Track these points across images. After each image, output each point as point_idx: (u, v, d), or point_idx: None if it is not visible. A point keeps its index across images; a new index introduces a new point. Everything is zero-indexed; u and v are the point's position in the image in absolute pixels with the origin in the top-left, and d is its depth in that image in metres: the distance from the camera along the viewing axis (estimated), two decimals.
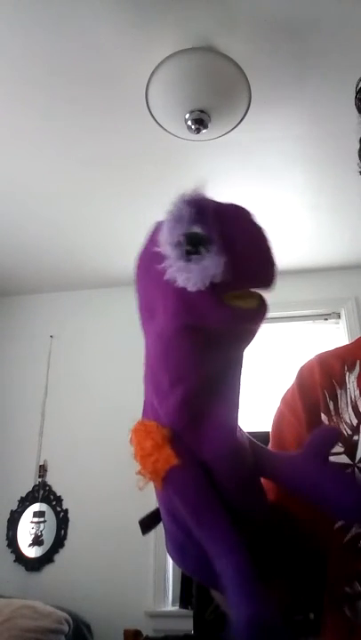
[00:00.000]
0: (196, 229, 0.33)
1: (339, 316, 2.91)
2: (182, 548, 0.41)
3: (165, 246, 0.34)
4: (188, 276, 0.33)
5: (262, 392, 2.33)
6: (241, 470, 0.38)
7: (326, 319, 2.94)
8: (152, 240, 0.36)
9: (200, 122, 1.66)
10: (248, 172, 2.22)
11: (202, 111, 1.65)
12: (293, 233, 2.66)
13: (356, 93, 0.62)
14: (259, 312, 0.37)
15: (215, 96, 1.66)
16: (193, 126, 1.67)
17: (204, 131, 1.70)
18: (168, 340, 0.36)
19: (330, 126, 1.92)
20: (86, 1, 1.49)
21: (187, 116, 1.66)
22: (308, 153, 2.08)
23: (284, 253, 2.82)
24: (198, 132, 1.70)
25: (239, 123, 1.78)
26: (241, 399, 0.40)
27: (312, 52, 1.64)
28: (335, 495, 0.39)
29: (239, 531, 0.37)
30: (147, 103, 1.72)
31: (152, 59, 1.62)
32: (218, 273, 0.33)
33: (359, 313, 2.83)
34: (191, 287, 0.33)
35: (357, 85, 0.61)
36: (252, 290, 0.36)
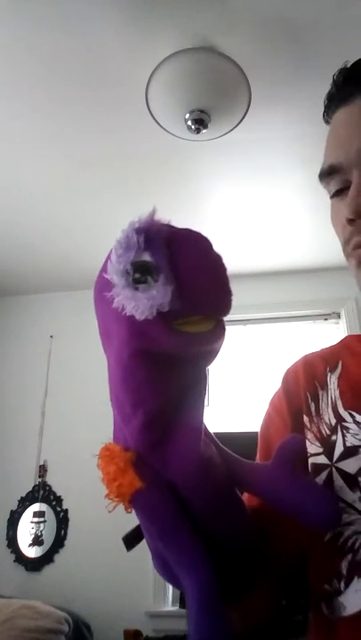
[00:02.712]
0: (146, 257, 0.33)
1: (339, 316, 2.91)
2: (163, 561, 0.41)
3: (113, 274, 0.33)
4: (135, 304, 0.33)
5: (263, 392, 2.33)
6: (209, 486, 0.38)
7: (326, 319, 2.94)
8: (106, 266, 0.36)
9: (200, 122, 1.66)
10: (248, 172, 2.22)
11: (202, 111, 1.65)
12: (293, 233, 2.66)
13: (324, 107, 0.62)
14: (213, 334, 0.36)
15: (215, 96, 1.66)
16: (193, 126, 1.67)
17: (204, 131, 1.70)
18: (125, 364, 0.36)
19: None
20: (86, 1, 1.49)
21: (187, 116, 1.66)
22: (308, 153, 2.08)
23: (284, 253, 2.82)
24: (198, 132, 1.70)
25: (239, 123, 1.78)
26: (204, 416, 0.39)
27: (312, 52, 1.64)
28: (303, 507, 0.40)
29: (209, 547, 0.38)
30: (147, 103, 1.72)
31: (152, 59, 1.62)
32: (165, 302, 0.32)
33: (359, 313, 2.83)
34: (139, 316, 0.33)
35: (325, 100, 0.62)
36: (207, 315, 0.36)
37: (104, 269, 0.36)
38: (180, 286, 0.33)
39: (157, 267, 0.33)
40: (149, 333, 0.34)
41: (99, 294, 0.37)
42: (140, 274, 0.33)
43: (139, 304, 0.33)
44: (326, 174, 0.59)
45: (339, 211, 0.58)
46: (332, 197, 0.60)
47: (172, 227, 0.36)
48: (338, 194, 0.58)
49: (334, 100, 0.60)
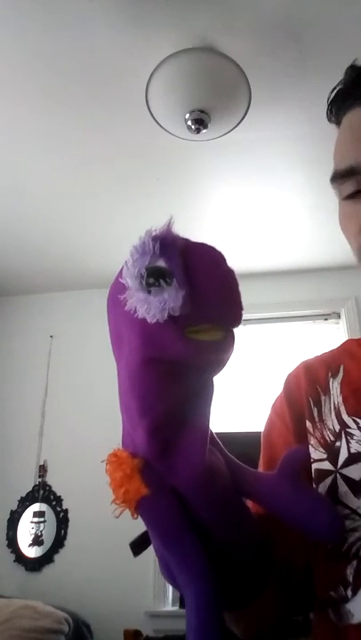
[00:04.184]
0: (160, 263, 0.33)
1: (339, 316, 2.91)
2: (169, 566, 0.41)
3: (127, 278, 0.34)
4: (147, 307, 0.33)
5: (263, 392, 2.33)
6: (214, 494, 0.39)
7: (326, 319, 2.94)
8: (122, 272, 0.36)
9: (200, 122, 1.66)
10: (248, 172, 2.22)
11: (202, 111, 1.65)
12: (293, 233, 2.66)
13: (329, 105, 0.61)
14: (223, 344, 0.37)
15: (215, 96, 1.66)
16: (193, 126, 1.67)
17: (204, 131, 1.70)
18: (134, 371, 0.37)
19: (330, 126, 1.92)
20: (86, 1, 1.49)
21: (187, 115, 1.66)
22: (308, 153, 2.08)
23: (284, 253, 2.82)
24: (198, 132, 1.70)
25: (239, 123, 1.78)
26: (211, 424, 0.40)
27: (312, 52, 1.64)
28: (305, 520, 0.40)
29: (215, 554, 0.38)
30: (147, 103, 1.72)
31: (152, 59, 1.62)
32: (176, 305, 0.33)
33: (359, 313, 2.83)
34: (150, 318, 0.33)
35: (329, 97, 0.61)
36: (217, 324, 0.36)
37: (120, 275, 0.36)
38: (193, 293, 0.34)
39: (171, 272, 0.33)
40: (161, 339, 0.34)
41: (113, 299, 0.38)
42: (153, 278, 0.33)
43: (150, 307, 0.33)
44: (341, 176, 0.56)
45: (353, 215, 0.56)
46: (343, 200, 0.57)
47: (188, 239, 0.37)
48: (352, 197, 0.56)
49: (348, 99, 0.57)
